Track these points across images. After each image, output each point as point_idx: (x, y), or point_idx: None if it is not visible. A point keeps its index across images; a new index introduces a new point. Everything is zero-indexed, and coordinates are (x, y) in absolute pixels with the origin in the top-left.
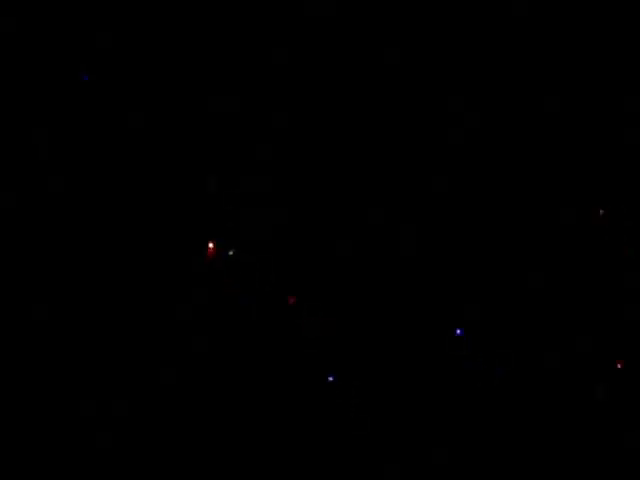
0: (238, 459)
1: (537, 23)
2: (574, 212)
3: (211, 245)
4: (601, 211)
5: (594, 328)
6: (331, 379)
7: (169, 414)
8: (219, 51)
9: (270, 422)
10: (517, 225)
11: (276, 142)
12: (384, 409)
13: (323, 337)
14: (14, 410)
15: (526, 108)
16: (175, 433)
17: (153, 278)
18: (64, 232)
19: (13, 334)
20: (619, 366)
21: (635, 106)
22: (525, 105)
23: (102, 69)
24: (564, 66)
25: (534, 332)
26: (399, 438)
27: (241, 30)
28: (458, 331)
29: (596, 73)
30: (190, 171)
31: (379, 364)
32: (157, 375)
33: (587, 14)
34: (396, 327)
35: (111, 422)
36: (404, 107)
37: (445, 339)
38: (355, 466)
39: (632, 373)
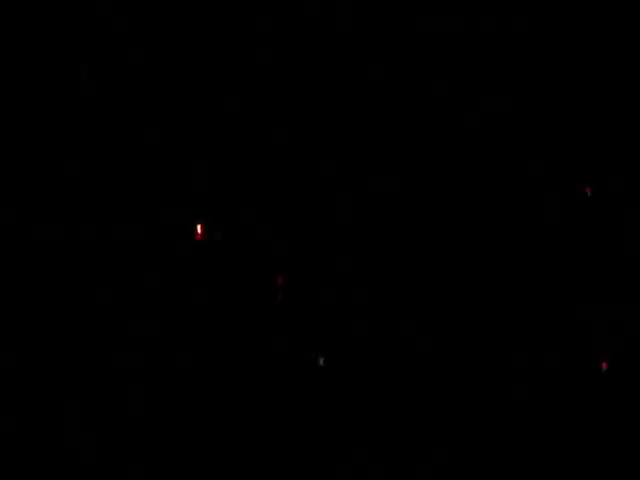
0: (235, 456)
1: (537, 22)
2: (574, 211)
3: (199, 228)
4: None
5: (594, 328)
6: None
7: (163, 401)
8: (218, 51)
9: (266, 420)
10: (516, 225)
11: (275, 140)
12: (383, 408)
13: (318, 330)
14: (13, 408)
15: (527, 108)
16: (170, 427)
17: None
18: (63, 227)
19: (9, 324)
20: (618, 366)
21: (635, 106)
22: (526, 105)
23: (102, 69)
24: (563, 66)
25: (534, 332)
26: (398, 438)
27: (240, 30)
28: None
29: (596, 72)
30: (189, 170)
31: (379, 363)
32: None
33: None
34: (395, 326)
35: (108, 421)
36: (402, 107)
37: (445, 339)
38: (354, 465)
39: (632, 372)
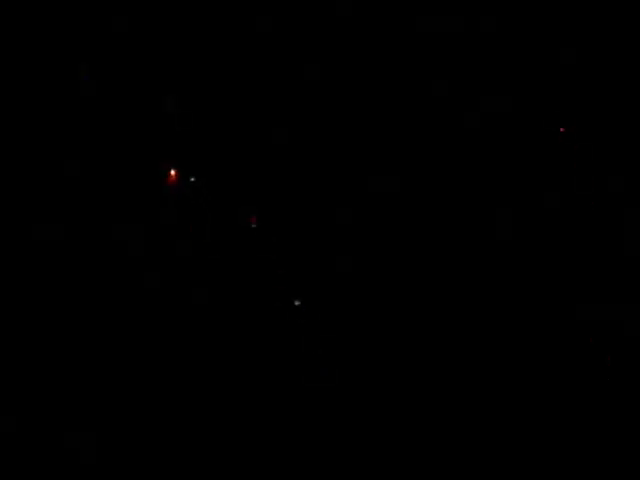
0: (235, 455)
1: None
2: (574, 211)
3: (173, 172)
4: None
5: (593, 327)
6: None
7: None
8: (218, 51)
9: (265, 419)
10: (516, 225)
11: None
12: (383, 408)
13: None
14: (13, 408)
15: (527, 108)
16: (170, 427)
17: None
18: (63, 227)
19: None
20: (618, 365)
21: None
22: (525, 105)
23: (102, 69)
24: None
25: (534, 332)
26: (398, 437)
27: (240, 29)
28: None
29: (596, 72)
30: (189, 171)
31: (379, 363)
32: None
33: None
34: (395, 325)
35: (108, 421)
36: (402, 106)
37: (445, 338)
38: (352, 464)
39: (631, 372)
